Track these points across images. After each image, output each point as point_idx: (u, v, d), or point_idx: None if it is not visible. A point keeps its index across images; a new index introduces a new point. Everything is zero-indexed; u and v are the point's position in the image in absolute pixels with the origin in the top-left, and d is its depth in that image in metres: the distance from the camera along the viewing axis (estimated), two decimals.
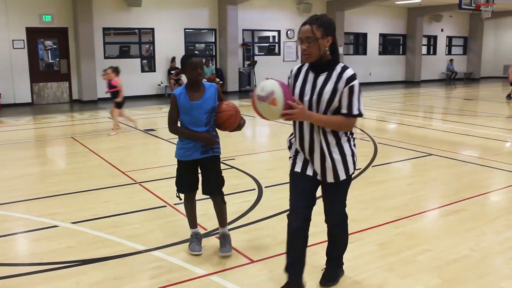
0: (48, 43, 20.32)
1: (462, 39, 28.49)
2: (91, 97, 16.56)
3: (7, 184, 6.56)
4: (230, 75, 19.66)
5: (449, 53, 28.08)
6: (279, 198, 5.49)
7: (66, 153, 8.82)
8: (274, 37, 21.85)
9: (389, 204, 5.38)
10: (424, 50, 26.47)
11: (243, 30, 20.28)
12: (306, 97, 3.01)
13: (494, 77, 28.83)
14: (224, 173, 4.08)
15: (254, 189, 5.93)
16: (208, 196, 4.08)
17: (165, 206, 5.35)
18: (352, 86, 2.92)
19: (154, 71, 18.40)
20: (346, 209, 3.33)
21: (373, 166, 7.17)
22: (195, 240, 4.13)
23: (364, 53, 24.44)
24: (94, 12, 16.43)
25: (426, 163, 7.52)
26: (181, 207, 4.71)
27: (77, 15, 16.06)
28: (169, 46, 18.30)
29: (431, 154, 7.98)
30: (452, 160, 7.58)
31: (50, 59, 20.04)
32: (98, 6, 16.63)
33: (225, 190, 4.07)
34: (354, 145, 3.18)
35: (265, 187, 6.00)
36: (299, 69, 3.17)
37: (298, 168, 3.19)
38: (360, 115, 2.96)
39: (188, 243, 4.16)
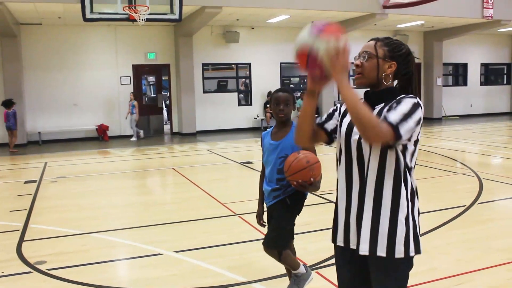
0: (151, 79, 21.62)
1: None
2: (190, 130, 17.22)
3: (113, 211, 6.96)
4: (327, 109, 19.65)
5: None
6: None
7: (168, 184, 9.20)
8: None
9: (498, 245, 5.04)
10: None
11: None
12: (355, 136, 2.24)
13: None
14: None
15: None
16: None
17: None
18: (401, 99, 2.18)
19: (251, 104, 18.85)
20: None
21: (478, 204, 6.79)
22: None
23: (465, 84, 23.46)
24: (194, 49, 17.22)
25: None
26: None
27: (179, 52, 16.92)
28: (265, 80, 18.69)
29: None
30: None
31: (152, 93, 21.22)
32: (198, 44, 17.41)
33: None
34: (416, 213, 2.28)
35: None
36: None
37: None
38: (395, 129, 2.05)
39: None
